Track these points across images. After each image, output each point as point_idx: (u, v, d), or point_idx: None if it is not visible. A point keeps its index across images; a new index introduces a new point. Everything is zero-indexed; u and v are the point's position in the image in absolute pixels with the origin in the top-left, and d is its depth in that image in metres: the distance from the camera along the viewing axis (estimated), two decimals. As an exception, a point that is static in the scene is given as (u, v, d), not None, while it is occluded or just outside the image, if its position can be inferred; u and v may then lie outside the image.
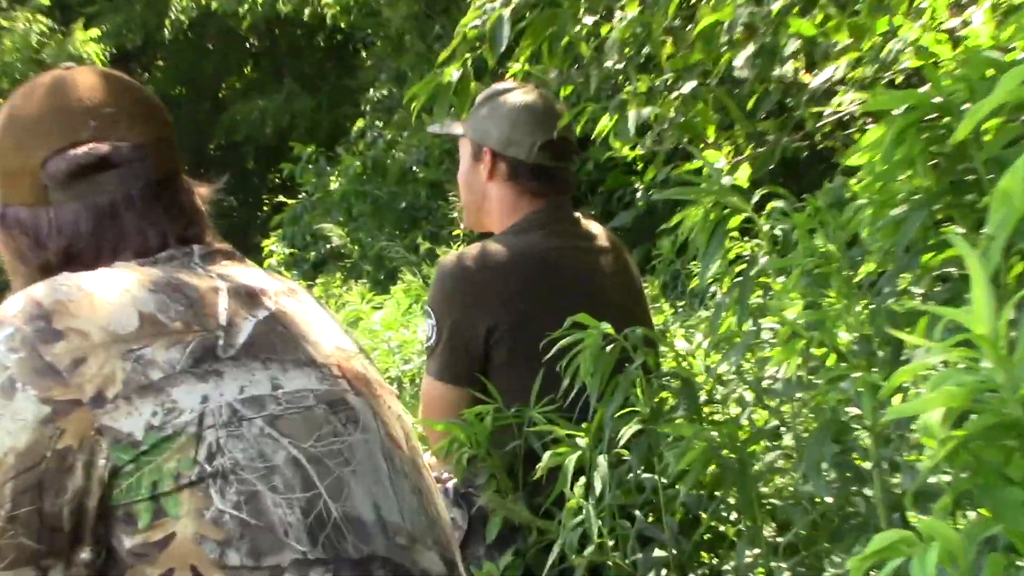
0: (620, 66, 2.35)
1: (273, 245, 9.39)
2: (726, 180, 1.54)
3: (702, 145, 2.41)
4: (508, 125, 2.22)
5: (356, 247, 8.44)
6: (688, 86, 2.26)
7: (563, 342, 1.73)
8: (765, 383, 1.70)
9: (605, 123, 2.36)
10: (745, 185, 1.58)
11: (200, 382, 1.20)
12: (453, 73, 2.34)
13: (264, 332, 1.29)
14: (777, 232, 1.51)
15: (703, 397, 1.89)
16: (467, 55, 2.35)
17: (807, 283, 1.33)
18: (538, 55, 2.37)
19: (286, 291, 1.40)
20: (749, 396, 1.79)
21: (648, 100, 2.35)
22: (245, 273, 1.38)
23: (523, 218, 2.22)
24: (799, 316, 1.34)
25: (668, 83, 2.34)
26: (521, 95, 2.25)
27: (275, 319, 1.32)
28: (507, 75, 2.49)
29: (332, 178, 9.33)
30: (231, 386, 1.21)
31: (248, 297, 1.32)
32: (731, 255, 1.87)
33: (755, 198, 1.53)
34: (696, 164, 1.90)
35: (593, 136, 2.41)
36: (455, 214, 5.38)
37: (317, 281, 7.70)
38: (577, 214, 2.29)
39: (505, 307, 2.09)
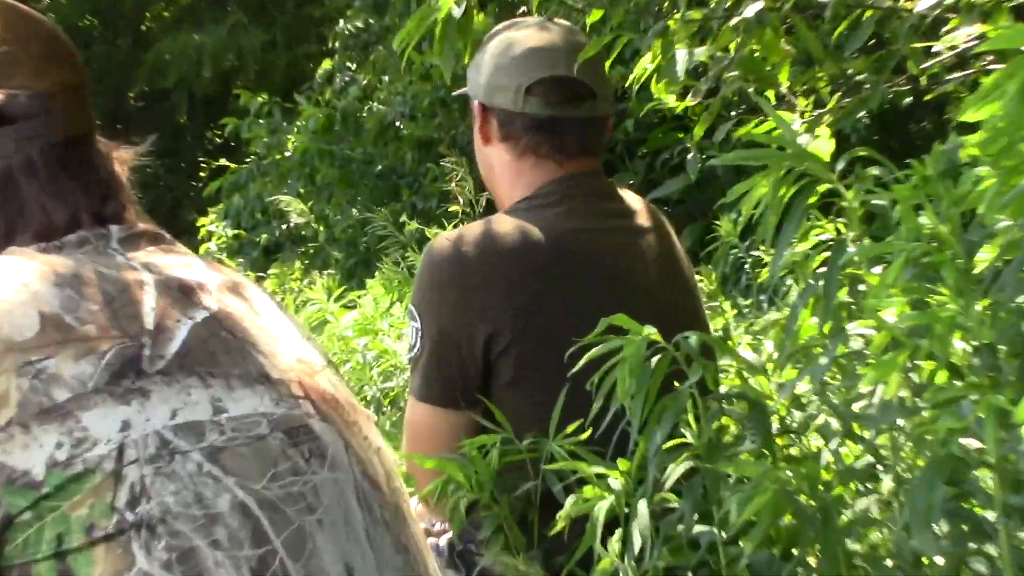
0: None
1: (212, 225, 9.44)
2: (803, 139, 1.55)
3: (771, 93, 2.41)
4: (492, 67, 2.26)
5: (321, 226, 8.47)
6: (752, 8, 2.27)
7: (593, 352, 1.74)
8: (856, 407, 1.70)
9: (646, 64, 2.37)
10: (828, 147, 1.60)
11: (120, 404, 1.21)
12: (453, 6, 2.35)
13: (203, 339, 1.30)
14: (871, 209, 1.52)
15: (775, 425, 1.90)
16: None
17: (911, 276, 1.34)
18: None
19: (230, 286, 1.42)
20: (835, 424, 1.79)
21: (701, 32, 2.36)
22: (177, 262, 1.40)
23: (535, 190, 2.24)
24: (901, 319, 1.35)
25: (727, 7, 2.35)
26: (516, 30, 2.28)
27: (217, 322, 1.33)
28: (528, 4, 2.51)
29: (290, 137, 9.37)
30: (160, 409, 1.23)
31: (182, 294, 1.34)
32: (811, 239, 1.88)
33: (841, 164, 1.54)
34: (765, 124, 1.91)
35: (629, 82, 2.41)
36: (451, 184, 5.37)
37: (270, 272, 7.75)
38: (609, 184, 2.30)
39: (510, 309, 2.10)
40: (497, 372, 2.12)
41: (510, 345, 2.10)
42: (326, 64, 10.13)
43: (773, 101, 2.59)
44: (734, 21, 2.32)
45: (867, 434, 1.70)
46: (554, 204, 2.21)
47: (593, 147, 2.28)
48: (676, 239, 2.36)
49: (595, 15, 2.41)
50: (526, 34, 2.27)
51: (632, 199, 2.32)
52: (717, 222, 4.05)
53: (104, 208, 1.40)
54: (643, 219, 2.29)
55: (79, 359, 1.22)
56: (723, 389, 1.87)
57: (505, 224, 2.16)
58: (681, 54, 2.33)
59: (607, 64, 2.33)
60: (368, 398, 4.06)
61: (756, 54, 2.35)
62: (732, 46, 2.37)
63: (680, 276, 2.30)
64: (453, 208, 5.38)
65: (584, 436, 2.01)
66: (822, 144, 2.23)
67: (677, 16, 2.34)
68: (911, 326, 1.33)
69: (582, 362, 1.74)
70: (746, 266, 4.40)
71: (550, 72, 2.23)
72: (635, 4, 2.41)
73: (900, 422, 1.52)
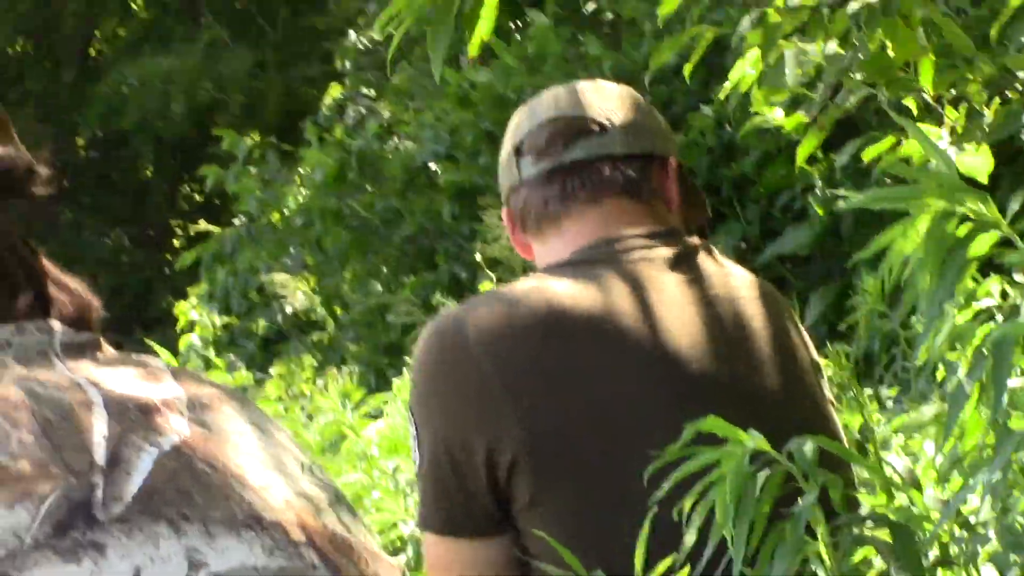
0: None
1: (194, 311, 9.46)
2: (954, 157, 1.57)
3: (911, 100, 2.43)
4: (500, 168, 2.40)
5: (331, 310, 8.48)
6: None
7: (679, 473, 1.75)
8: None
9: (745, 67, 2.39)
10: (986, 174, 1.61)
11: (67, 563, 1.23)
12: None
13: (172, 473, 1.32)
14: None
15: (933, 555, 1.90)
16: None
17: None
18: None
19: (206, 402, 1.44)
20: (1016, 558, 1.79)
21: (811, 24, 2.37)
22: (135, 374, 1.43)
23: (567, 257, 2.30)
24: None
25: None
26: (522, 117, 2.40)
27: (190, 451, 1.35)
28: None
29: (290, 190, 9.43)
30: (119, 568, 1.24)
31: (142, 415, 1.36)
32: (972, 305, 1.89)
33: (1015, 204, 1.56)
34: (906, 145, 1.94)
35: (724, 93, 2.44)
36: (493, 245, 5.35)
37: (271, 371, 7.77)
38: (681, 242, 2.32)
39: (513, 414, 2.13)
40: (514, 493, 2.15)
41: (519, 458, 2.12)
42: (334, 91, 10.18)
43: (915, 111, 2.60)
44: (853, 6, 2.33)
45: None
46: (581, 270, 2.24)
47: (628, 190, 2.32)
48: (791, 315, 2.37)
49: (669, 5, 2.43)
50: (537, 98, 2.41)
51: (715, 263, 2.32)
52: (860, 282, 4.04)
53: (36, 302, 1.43)
54: (728, 287, 2.29)
55: (12, 506, 1.24)
56: (864, 510, 1.88)
57: (518, 296, 2.21)
58: (789, 54, 2.36)
59: (687, 68, 2.36)
60: (403, 538, 4.06)
61: (885, 50, 2.36)
62: (852, 40, 2.38)
63: (791, 363, 2.31)
64: (499, 279, 5.37)
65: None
66: (979, 169, 2.26)
67: (779, 2, 2.36)
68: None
69: (669, 484, 1.76)
70: (899, 341, 4.37)
71: (539, 120, 2.33)
72: None
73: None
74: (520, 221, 2.37)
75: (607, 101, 2.36)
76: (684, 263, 2.29)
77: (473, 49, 2.44)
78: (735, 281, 2.31)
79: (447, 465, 2.17)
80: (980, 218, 1.53)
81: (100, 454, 1.30)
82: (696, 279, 2.28)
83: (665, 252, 2.29)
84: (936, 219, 1.54)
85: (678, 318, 2.22)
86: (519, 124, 2.37)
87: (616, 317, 2.19)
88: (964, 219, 1.54)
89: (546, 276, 2.26)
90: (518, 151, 2.35)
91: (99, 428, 1.32)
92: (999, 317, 1.69)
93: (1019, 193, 1.59)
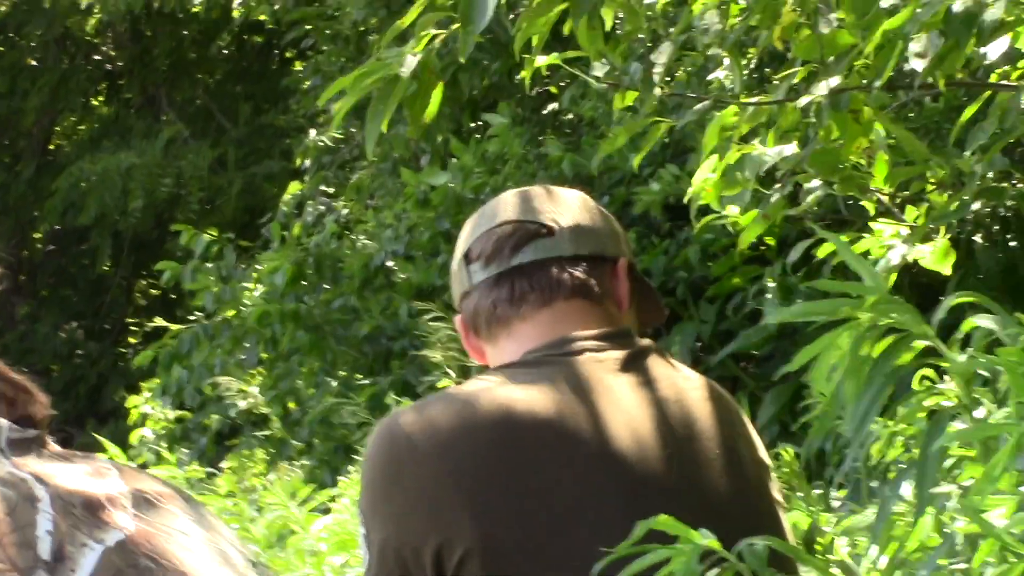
0: (714, 50, 2.38)
1: (146, 405, 9.44)
2: (913, 252, 1.58)
3: (869, 202, 2.45)
4: (452, 278, 2.45)
5: (284, 408, 8.46)
6: (825, 85, 2.27)
7: (629, 570, 1.76)
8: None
9: (706, 173, 2.41)
10: (949, 266, 1.62)
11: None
12: (407, 59, 2.37)
13: (116, 569, 1.33)
14: (983, 372, 1.55)
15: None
16: (431, 32, 2.39)
17: (1022, 465, 1.37)
18: (561, 37, 2.41)
19: (151, 498, 1.45)
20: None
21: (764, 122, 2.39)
22: (80, 470, 1.43)
23: (511, 360, 2.33)
24: (1012, 523, 1.38)
25: (794, 82, 2.37)
26: (469, 230, 2.43)
27: (134, 546, 1.36)
28: (523, 72, 2.55)
29: (247, 287, 9.43)
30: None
31: (88, 511, 1.37)
32: (911, 412, 1.92)
33: (939, 315, 1.58)
34: (858, 244, 1.98)
35: (688, 197, 2.46)
36: (437, 352, 5.35)
37: (223, 466, 7.74)
38: (632, 343, 2.34)
39: (466, 512, 2.14)
40: None
41: (469, 556, 2.12)
42: (293, 188, 10.22)
43: (872, 211, 2.62)
44: (803, 101, 2.35)
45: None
46: (533, 371, 2.26)
47: (577, 292, 2.34)
48: (740, 417, 2.38)
49: (627, 98, 2.45)
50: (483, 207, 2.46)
51: (666, 364, 2.34)
52: (807, 382, 4.06)
53: None
54: (678, 389, 2.31)
55: None
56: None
57: (468, 397, 2.22)
58: (748, 156, 2.38)
59: (636, 159, 2.38)
60: (354, 635, 4.05)
61: (836, 146, 2.38)
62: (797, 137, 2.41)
63: (739, 464, 2.32)
64: (444, 384, 5.36)
65: None
66: (942, 264, 2.29)
67: (736, 101, 2.38)
68: (1025, 531, 1.36)
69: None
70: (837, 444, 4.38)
71: (486, 226, 2.37)
72: (675, 81, 2.46)
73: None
74: (472, 326, 2.39)
75: (556, 205, 2.39)
76: (634, 365, 2.30)
77: (412, 131, 2.46)
78: (684, 383, 2.33)
79: (395, 568, 2.17)
80: (905, 328, 1.56)
81: (44, 550, 1.31)
82: (646, 381, 2.29)
83: (616, 354, 2.30)
84: (862, 331, 1.57)
85: (628, 420, 2.23)
86: (469, 232, 2.40)
87: (567, 419, 2.20)
88: (892, 329, 1.56)
89: (498, 376, 2.27)
90: (467, 258, 2.38)
91: (44, 524, 1.33)
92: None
93: (946, 301, 1.62)
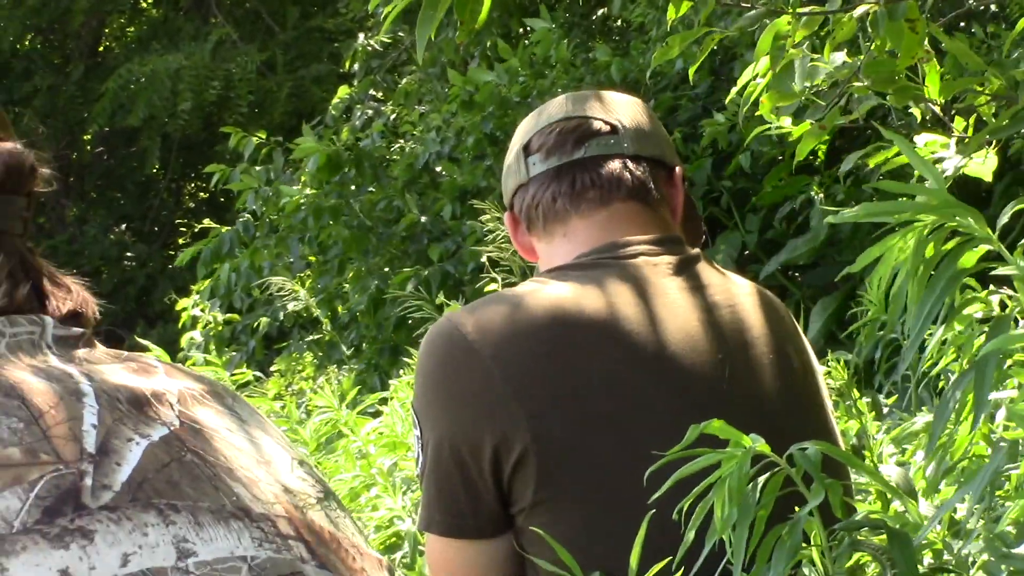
0: None
1: (196, 307, 9.47)
2: (954, 163, 1.56)
3: (918, 111, 2.42)
4: (505, 168, 2.44)
5: (333, 308, 8.47)
6: None
7: (680, 473, 1.75)
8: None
9: (754, 76, 2.38)
10: (989, 170, 1.60)
11: (55, 548, 1.24)
12: None
13: (162, 463, 1.33)
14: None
15: (928, 561, 1.89)
16: None
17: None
18: None
19: (197, 395, 1.45)
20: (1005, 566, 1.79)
21: (817, 27, 2.36)
22: (126, 367, 1.43)
23: (572, 259, 2.32)
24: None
25: None
26: (528, 123, 2.44)
27: (180, 442, 1.36)
28: None
29: (292, 187, 9.42)
30: (108, 555, 1.25)
31: (133, 406, 1.37)
32: (966, 316, 1.89)
33: (1006, 216, 1.56)
34: (899, 157, 1.94)
35: (730, 99, 2.43)
36: (489, 247, 5.31)
37: (272, 368, 7.77)
38: (681, 248, 2.33)
39: (521, 410, 2.14)
40: (515, 495, 2.16)
41: (524, 458, 2.13)
42: (342, 92, 10.20)
43: (920, 120, 2.59)
44: (859, 10, 2.32)
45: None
46: (586, 273, 2.26)
47: (636, 194, 2.34)
48: (792, 322, 2.38)
49: (682, 7, 2.42)
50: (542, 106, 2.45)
51: (717, 272, 2.34)
52: (861, 293, 4.03)
53: (24, 293, 1.44)
54: (729, 294, 2.30)
55: (1, 492, 1.25)
56: (860, 516, 1.87)
57: (523, 298, 2.22)
58: (798, 62, 2.35)
59: (692, 70, 2.36)
60: (401, 534, 4.06)
61: (892, 56, 2.35)
62: (857, 54, 2.37)
63: (790, 369, 2.31)
64: (492, 283, 5.34)
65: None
66: (984, 170, 2.25)
67: (789, 8, 2.35)
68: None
69: (668, 483, 1.75)
70: (899, 352, 4.36)
71: (547, 121, 2.36)
72: None
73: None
74: (526, 220, 2.39)
75: (617, 107, 2.39)
76: (687, 270, 2.31)
77: (462, 35, 2.44)
78: (736, 289, 2.33)
79: (453, 468, 2.18)
80: (969, 232, 1.53)
81: (90, 443, 1.31)
82: (699, 286, 2.30)
83: (669, 259, 2.31)
84: (924, 233, 1.55)
85: (682, 324, 2.24)
86: (528, 126, 2.40)
87: (620, 322, 2.20)
88: (954, 233, 1.54)
89: (550, 279, 2.27)
90: (526, 150, 2.37)
91: (89, 417, 1.33)
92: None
93: (1010, 206, 1.59)
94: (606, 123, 2.36)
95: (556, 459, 2.12)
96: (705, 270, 2.33)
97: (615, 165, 2.34)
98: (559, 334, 2.17)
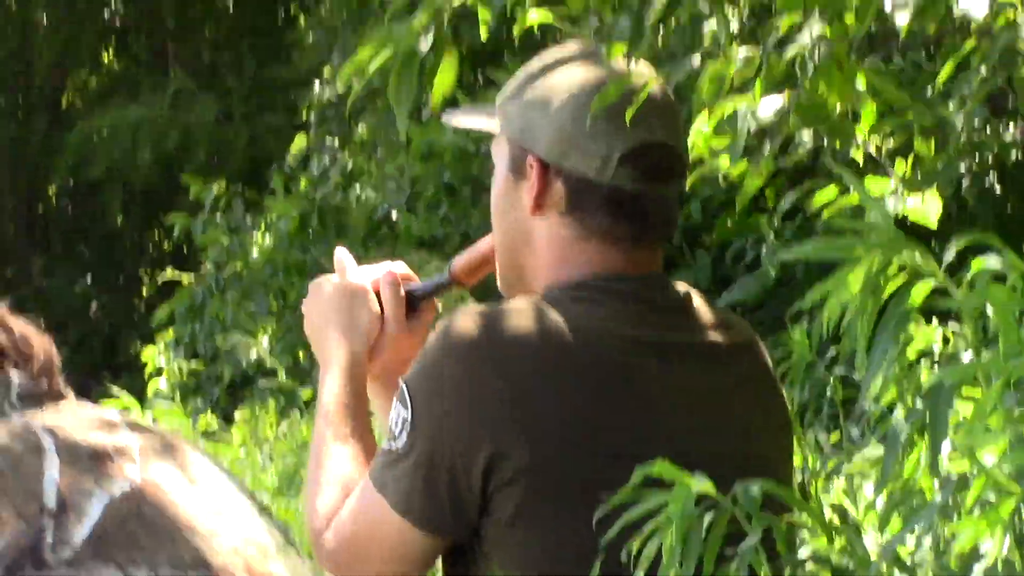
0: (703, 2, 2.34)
1: (160, 357, 9.42)
2: (897, 206, 1.58)
3: (858, 152, 2.44)
4: (570, 119, 2.21)
5: (289, 358, 8.42)
6: (807, 34, 2.26)
7: (628, 516, 1.76)
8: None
9: (702, 125, 2.40)
10: (935, 218, 1.61)
11: (15, 607, 1.24)
12: (418, 38, 2.35)
13: (122, 519, 1.33)
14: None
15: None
16: (447, 3, 2.37)
17: (1011, 403, 1.37)
18: None
19: (158, 449, 1.45)
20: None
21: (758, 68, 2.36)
22: (89, 422, 1.44)
23: (588, 276, 2.24)
24: (1001, 459, 1.37)
25: (780, 35, 2.35)
26: (591, 68, 2.26)
27: (140, 497, 1.37)
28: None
29: (256, 235, 9.40)
30: (68, 610, 1.25)
31: (93, 462, 1.37)
32: (913, 350, 1.91)
33: (952, 252, 1.57)
34: (850, 196, 1.96)
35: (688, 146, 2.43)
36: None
37: (236, 416, 7.72)
38: (678, 285, 2.33)
39: (526, 430, 2.13)
40: (492, 506, 2.14)
41: (517, 476, 2.11)
42: (299, 142, 10.18)
43: (861, 162, 2.60)
44: (790, 51, 2.31)
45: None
46: (612, 298, 2.22)
47: (667, 230, 2.29)
48: (768, 364, 2.35)
49: (617, 49, 2.40)
50: (612, 76, 2.23)
51: (706, 309, 2.33)
52: (791, 332, 4.05)
53: None
54: (720, 335, 2.29)
55: None
56: (806, 550, 1.89)
57: (544, 313, 2.17)
58: (743, 110, 2.36)
59: (629, 112, 2.35)
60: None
61: (818, 96, 2.36)
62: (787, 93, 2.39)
63: (767, 414, 2.31)
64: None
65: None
66: (927, 210, 2.27)
67: (726, 51, 2.36)
68: (1016, 469, 1.35)
69: (618, 526, 1.76)
70: (830, 390, 4.37)
71: (647, 137, 2.21)
72: (669, 32, 2.39)
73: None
74: (571, 202, 2.23)
75: (678, 127, 2.29)
76: (683, 305, 2.28)
77: (435, 104, 2.44)
78: (727, 325, 2.31)
79: (444, 465, 2.14)
80: (916, 268, 1.55)
81: (50, 499, 1.31)
82: (702, 327, 2.27)
83: (673, 290, 2.29)
84: (873, 270, 1.56)
85: (702, 371, 2.24)
86: (619, 124, 2.19)
87: (631, 363, 2.18)
88: (901, 269, 1.56)
89: (582, 304, 2.20)
90: (624, 158, 2.20)
91: (50, 473, 1.33)
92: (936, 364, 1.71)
93: (954, 241, 1.61)
94: (684, 161, 2.29)
95: (547, 486, 2.12)
96: (699, 304, 2.30)
97: (673, 217, 2.29)
98: (569, 363, 2.15)
